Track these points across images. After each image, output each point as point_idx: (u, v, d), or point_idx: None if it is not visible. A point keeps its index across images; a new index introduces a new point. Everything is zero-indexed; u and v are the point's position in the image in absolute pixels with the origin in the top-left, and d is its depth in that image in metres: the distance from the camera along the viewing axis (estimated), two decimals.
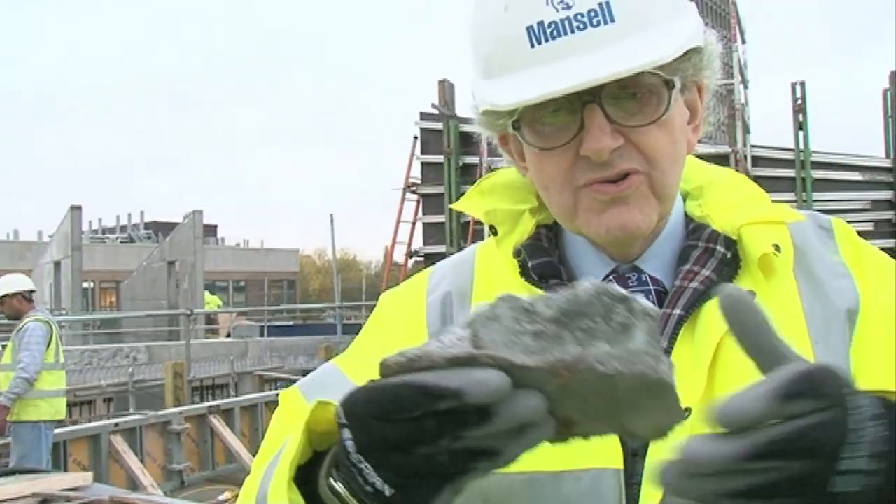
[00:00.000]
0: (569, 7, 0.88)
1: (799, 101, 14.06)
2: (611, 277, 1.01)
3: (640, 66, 0.87)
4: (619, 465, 0.90)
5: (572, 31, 0.88)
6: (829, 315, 0.96)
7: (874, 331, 0.95)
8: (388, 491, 0.64)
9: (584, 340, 0.62)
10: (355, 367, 1.08)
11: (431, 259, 14.93)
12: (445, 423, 0.61)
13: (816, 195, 13.60)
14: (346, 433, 0.66)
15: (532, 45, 0.90)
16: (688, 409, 0.88)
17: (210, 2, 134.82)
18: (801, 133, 13.97)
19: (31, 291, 7.39)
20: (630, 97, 0.91)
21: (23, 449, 6.87)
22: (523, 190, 1.08)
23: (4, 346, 7.52)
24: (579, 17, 0.88)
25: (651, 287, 1.00)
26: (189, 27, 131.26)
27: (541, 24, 0.89)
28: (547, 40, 0.89)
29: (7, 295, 7.24)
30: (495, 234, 1.09)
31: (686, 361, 0.92)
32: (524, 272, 1.03)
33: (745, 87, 15.26)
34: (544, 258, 1.03)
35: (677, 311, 0.95)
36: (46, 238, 32.32)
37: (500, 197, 1.10)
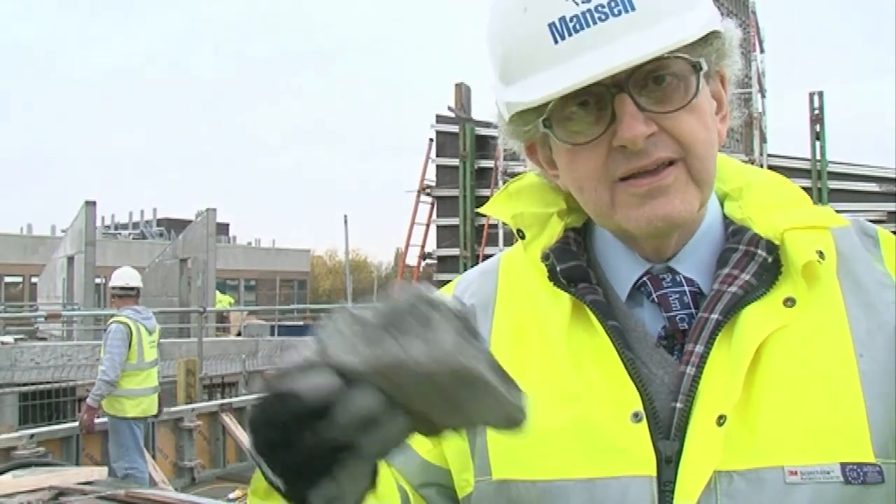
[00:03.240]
0: (588, 0, 0.88)
1: (816, 112, 14.00)
2: (644, 278, 1.00)
3: (665, 47, 0.87)
4: (653, 472, 0.89)
5: (594, 23, 0.88)
6: (874, 327, 0.93)
7: None
8: (281, 485, 0.71)
9: (402, 341, 0.68)
10: None
11: (444, 262, 14.93)
12: (302, 423, 0.67)
13: (832, 206, 13.52)
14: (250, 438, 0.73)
15: (556, 42, 0.89)
16: (723, 417, 0.88)
17: (229, 9, 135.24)
18: (817, 143, 13.91)
19: (131, 288, 7.66)
20: (658, 85, 0.90)
21: (119, 441, 7.26)
22: (551, 193, 1.07)
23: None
24: (600, 8, 0.88)
25: (686, 288, 0.98)
26: (206, 31, 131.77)
27: (562, 19, 0.89)
28: (570, 34, 0.89)
29: (115, 286, 7.59)
30: (522, 237, 1.08)
31: (723, 367, 0.91)
32: (552, 276, 1.02)
33: (763, 97, 15.20)
34: (573, 262, 1.02)
35: (715, 316, 0.94)
36: (59, 233, 32.47)
37: (527, 200, 1.09)
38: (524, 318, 1.03)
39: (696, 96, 0.91)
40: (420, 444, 1.05)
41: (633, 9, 0.88)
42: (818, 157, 13.85)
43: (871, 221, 1.06)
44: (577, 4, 0.89)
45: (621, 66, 0.86)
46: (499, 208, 1.11)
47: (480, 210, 1.20)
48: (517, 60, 0.94)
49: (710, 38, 0.93)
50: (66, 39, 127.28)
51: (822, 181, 13.72)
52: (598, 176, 0.94)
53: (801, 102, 14.05)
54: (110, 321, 7.44)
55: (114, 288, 7.63)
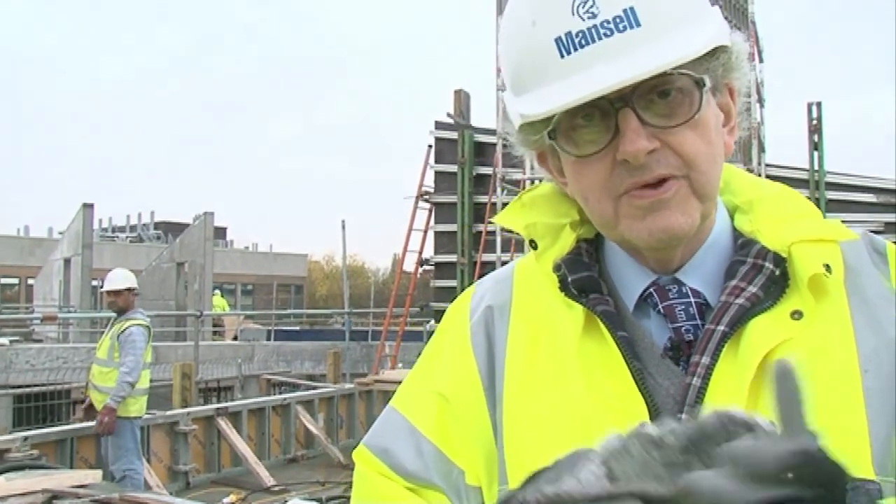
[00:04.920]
0: (595, 15, 0.89)
1: (815, 122, 14.02)
2: (651, 290, 1.01)
3: (667, 63, 0.87)
4: None
5: (600, 38, 0.88)
6: (879, 343, 0.93)
7: None
8: None
9: (711, 464, 0.64)
10: (412, 406, 1.12)
11: (441, 268, 14.92)
12: None
13: (830, 216, 13.46)
14: None
15: (562, 56, 0.90)
16: None
17: (228, 20, 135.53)
18: (816, 153, 13.93)
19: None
20: (662, 100, 0.91)
21: (119, 442, 7.26)
22: (564, 203, 1.08)
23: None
24: (606, 23, 0.88)
25: (692, 299, 0.99)
26: (206, 41, 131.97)
27: (568, 34, 0.90)
28: (576, 49, 0.89)
29: (128, 289, 7.60)
30: (535, 248, 1.08)
31: (728, 379, 0.91)
32: (564, 286, 1.03)
33: (762, 106, 15.23)
34: (584, 272, 1.03)
35: (721, 328, 0.94)
36: (56, 235, 32.46)
37: (540, 210, 1.10)
38: (537, 327, 1.04)
39: (699, 112, 0.92)
40: (434, 433, 1.07)
41: (638, 25, 0.88)
42: (816, 167, 13.87)
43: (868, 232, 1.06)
44: (584, 20, 0.89)
45: (623, 83, 0.87)
46: (512, 218, 1.12)
47: (493, 220, 1.21)
48: (526, 72, 0.95)
49: (717, 52, 0.93)
50: (69, 47, 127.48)
51: (819, 191, 13.72)
52: (602, 188, 0.94)
53: (799, 113, 14.06)
54: (129, 324, 7.38)
55: (131, 290, 7.63)
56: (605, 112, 0.91)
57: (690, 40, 0.89)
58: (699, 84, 0.91)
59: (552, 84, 0.91)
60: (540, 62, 0.92)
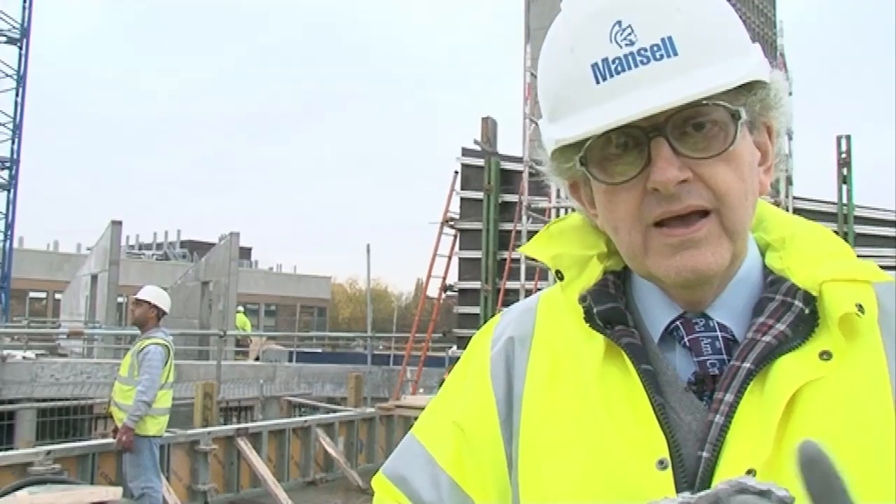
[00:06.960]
0: (632, 43, 0.89)
1: (844, 155, 13.92)
2: (677, 322, 0.99)
3: (701, 92, 0.87)
4: None
5: (636, 66, 0.88)
6: None
7: None
8: None
9: None
10: (432, 435, 1.11)
11: (465, 294, 14.89)
12: None
13: (858, 250, 13.37)
14: None
15: (597, 82, 0.90)
16: (752, 471, 0.86)
17: (259, 44, 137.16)
18: (844, 187, 13.82)
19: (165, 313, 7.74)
20: (697, 132, 0.90)
21: (137, 460, 7.27)
22: (592, 235, 1.08)
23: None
24: (643, 51, 0.88)
25: (718, 333, 0.97)
26: (234, 66, 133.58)
27: (605, 60, 0.90)
28: (611, 76, 0.89)
29: (149, 302, 7.55)
30: (561, 279, 1.08)
31: (752, 418, 0.89)
32: (589, 318, 1.02)
33: (790, 139, 15.15)
34: (610, 304, 1.02)
35: (747, 365, 0.92)
36: (85, 251, 32.81)
37: (568, 242, 1.09)
38: (559, 358, 1.03)
39: (733, 145, 0.91)
40: (450, 465, 1.07)
41: (675, 54, 0.88)
42: (844, 200, 13.76)
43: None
44: (621, 47, 0.89)
45: (654, 109, 0.87)
46: (539, 249, 1.11)
47: (520, 249, 1.21)
48: (562, 98, 0.95)
49: (755, 87, 0.93)
50: (101, 66, 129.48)
51: (848, 225, 13.59)
52: (633, 219, 0.94)
53: (828, 146, 13.96)
54: (147, 343, 7.39)
55: (157, 308, 7.59)
56: (638, 141, 0.91)
57: (727, 71, 0.89)
58: (735, 116, 0.90)
59: (587, 110, 0.91)
60: (576, 88, 0.93)
